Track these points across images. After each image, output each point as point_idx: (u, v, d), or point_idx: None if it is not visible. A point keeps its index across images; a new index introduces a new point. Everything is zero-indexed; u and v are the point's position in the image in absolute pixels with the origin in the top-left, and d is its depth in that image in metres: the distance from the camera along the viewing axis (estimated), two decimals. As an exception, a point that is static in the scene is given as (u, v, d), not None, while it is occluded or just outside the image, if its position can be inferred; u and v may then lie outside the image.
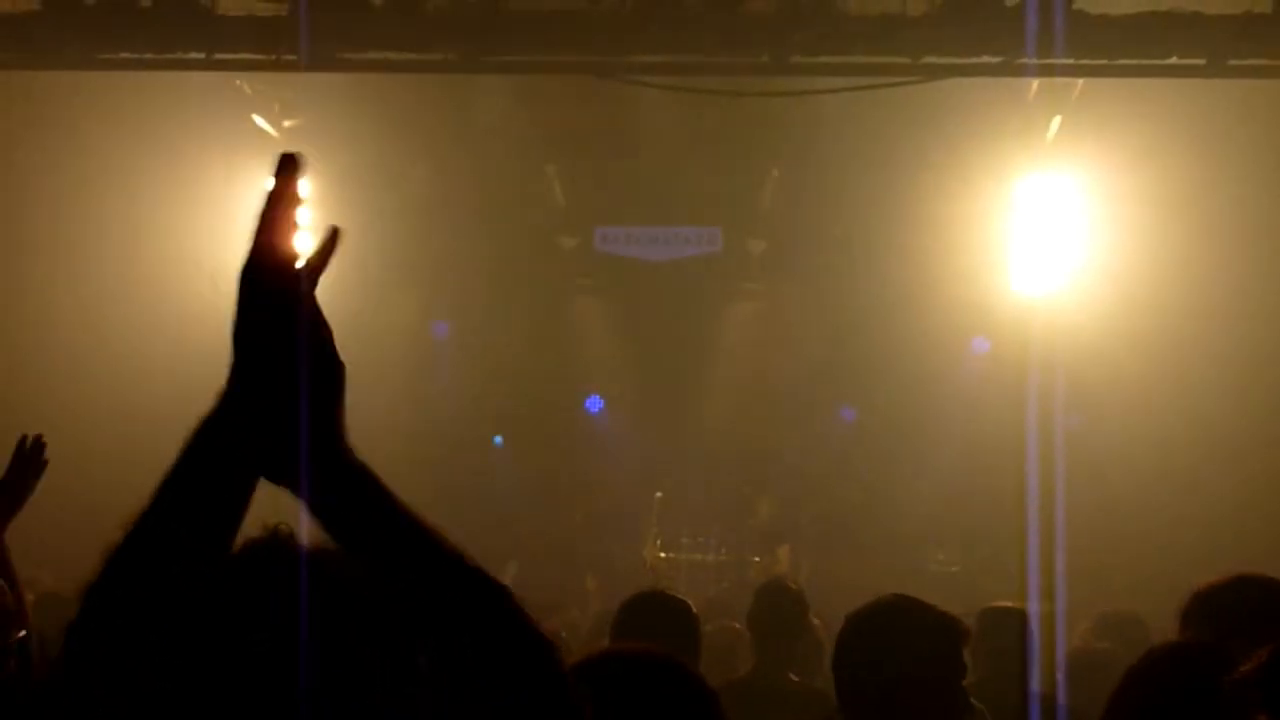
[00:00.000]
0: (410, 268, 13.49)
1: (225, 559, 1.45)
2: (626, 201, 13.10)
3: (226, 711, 1.36)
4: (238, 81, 11.87)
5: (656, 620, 4.62)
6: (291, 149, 1.73)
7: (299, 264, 1.68)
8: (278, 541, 1.48)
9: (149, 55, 9.87)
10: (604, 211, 13.18)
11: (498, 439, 14.85)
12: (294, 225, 1.69)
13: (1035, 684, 5.45)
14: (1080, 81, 11.07)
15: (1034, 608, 7.17)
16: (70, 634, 1.43)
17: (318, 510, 1.63)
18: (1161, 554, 12.04)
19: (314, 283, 1.69)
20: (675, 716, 2.30)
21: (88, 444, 9.46)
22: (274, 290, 1.65)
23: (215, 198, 11.45)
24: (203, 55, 9.81)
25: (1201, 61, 9.29)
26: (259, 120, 12.25)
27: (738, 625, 6.60)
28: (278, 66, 11.02)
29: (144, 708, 1.36)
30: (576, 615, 9.05)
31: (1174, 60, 9.29)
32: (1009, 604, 6.30)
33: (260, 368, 1.65)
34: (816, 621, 6.52)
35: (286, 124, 12.29)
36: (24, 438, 4.21)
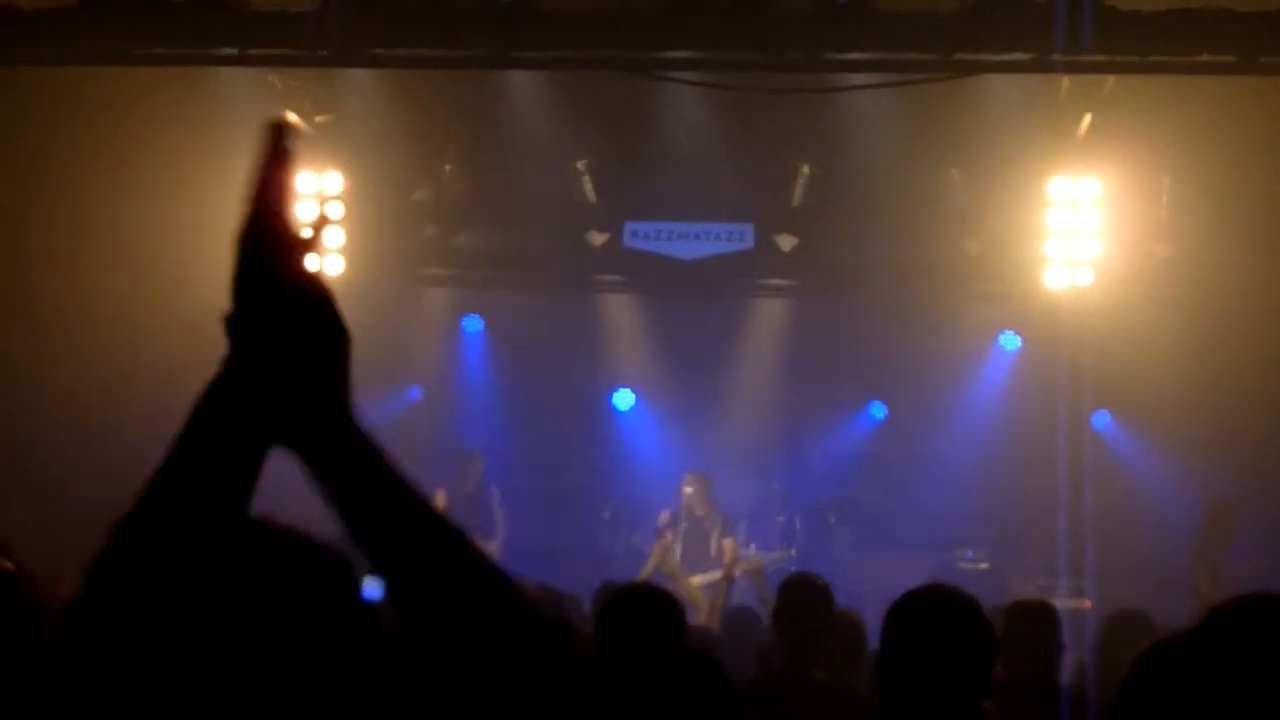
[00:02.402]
0: (440, 264, 13.54)
1: (239, 542, 1.44)
2: (657, 198, 13.10)
3: (229, 691, 1.34)
4: (269, 77, 11.93)
5: (641, 612, 4.57)
6: (282, 115, 1.74)
7: (295, 230, 1.66)
8: (291, 531, 1.46)
9: (181, 50, 9.96)
10: (634, 208, 13.18)
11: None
12: (290, 189, 1.68)
13: (1065, 678, 5.46)
14: (1111, 79, 11.04)
15: (1063, 604, 7.18)
16: (73, 609, 1.42)
17: (323, 478, 1.61)
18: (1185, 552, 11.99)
19: (309, 250, 1.67)
20: (693, 711, 2.30)
21: (128, 444, 9.53)
22: (271, 254, 1.64)
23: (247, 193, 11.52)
24: (235, 51, 9.89)
25: (1233, 58, 9.25)
26: (290, 116, 12.31)
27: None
28: (309, 62, 11.09)
29: (147, 686, 1.34)
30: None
31: (1205, 57, 9.27)
32: (1039, 598, 6.31)
33: (260, 332, 1.63)
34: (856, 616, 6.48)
35: (318, 119, 12.34)
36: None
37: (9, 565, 4.06)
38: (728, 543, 11.88)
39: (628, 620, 4.45)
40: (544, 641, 1.68)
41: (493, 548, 12.42)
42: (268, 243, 1.63)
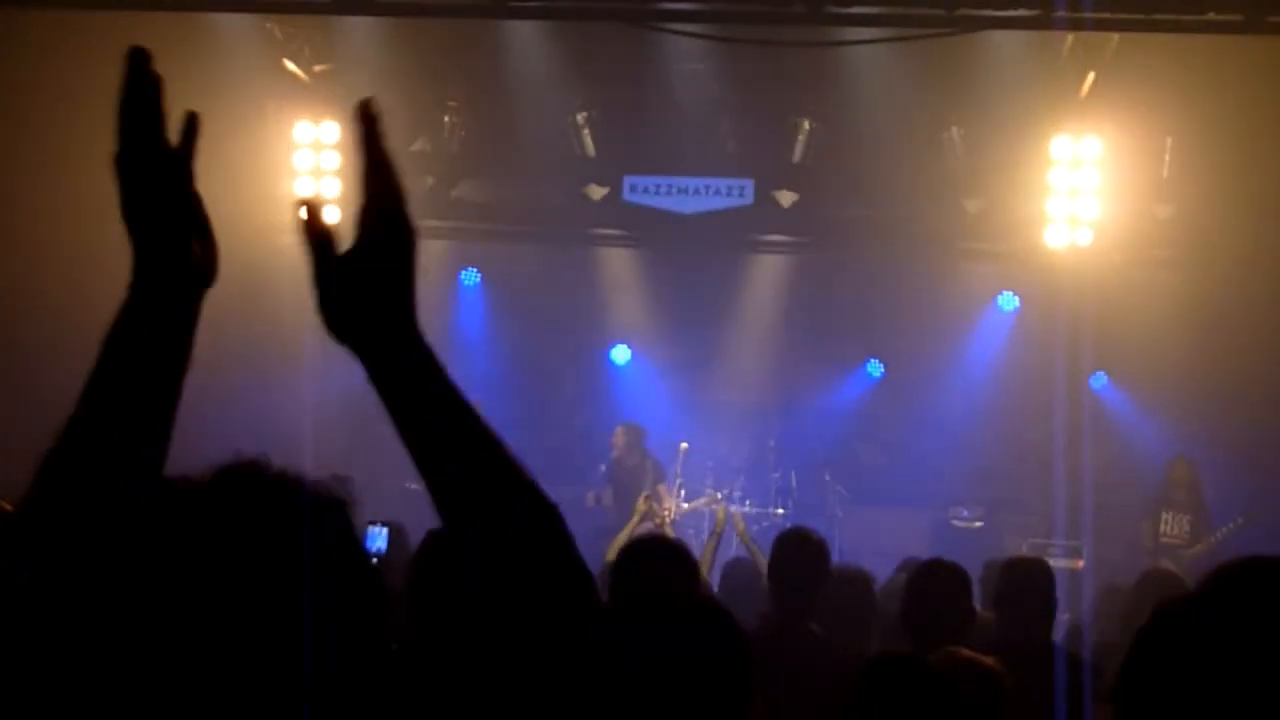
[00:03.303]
0: (438, 216, 13.48)
1: (214, 479, 1.42)
2: (656, 152, 13.03)
3: (165, 628, 1.33)
4: (268, 24, 11.85)
5: (655, 560, 4.58)
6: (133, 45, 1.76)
7: (169, 145, 1.71)
8: (265, 468, 1.44)
9: (181, -5, 9.88)
10: (633, 161, 13.11)
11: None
12: (158, 109, 1.74)
13: (1059, 635, 5.46)
14: (1115, 37, 10.97)
15: (1058, 564, 7.19)
16: (6, 548, 1.40)
17: (378, 377, 1.60)
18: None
19: (189, 163, 1.72)
20: (706, 662, 2.28)
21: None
22: (153, 172, 1.67)
23: (246, 142, 11.46)
24: (235, -4, 9.82)
25: (1238, 17, 9.18)
26: (289, 65, 12.23)
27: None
28: (310, 9, 11.01)
29: (84, 624, 1.32)
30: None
31: (1211, 16, 9.19)
32: (1033, 556, 6.31)
33: (155, 250, 1.65)
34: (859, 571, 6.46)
35: (317, 69, 12.28)
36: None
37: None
38: (661, 488, 12.04)
39: (642, 567, 4.47)
40: (574, 570, 1.67)
41: None
42: (146, 162, 1.72)
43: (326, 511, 1.44)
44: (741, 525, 10.42)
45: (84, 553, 1.34)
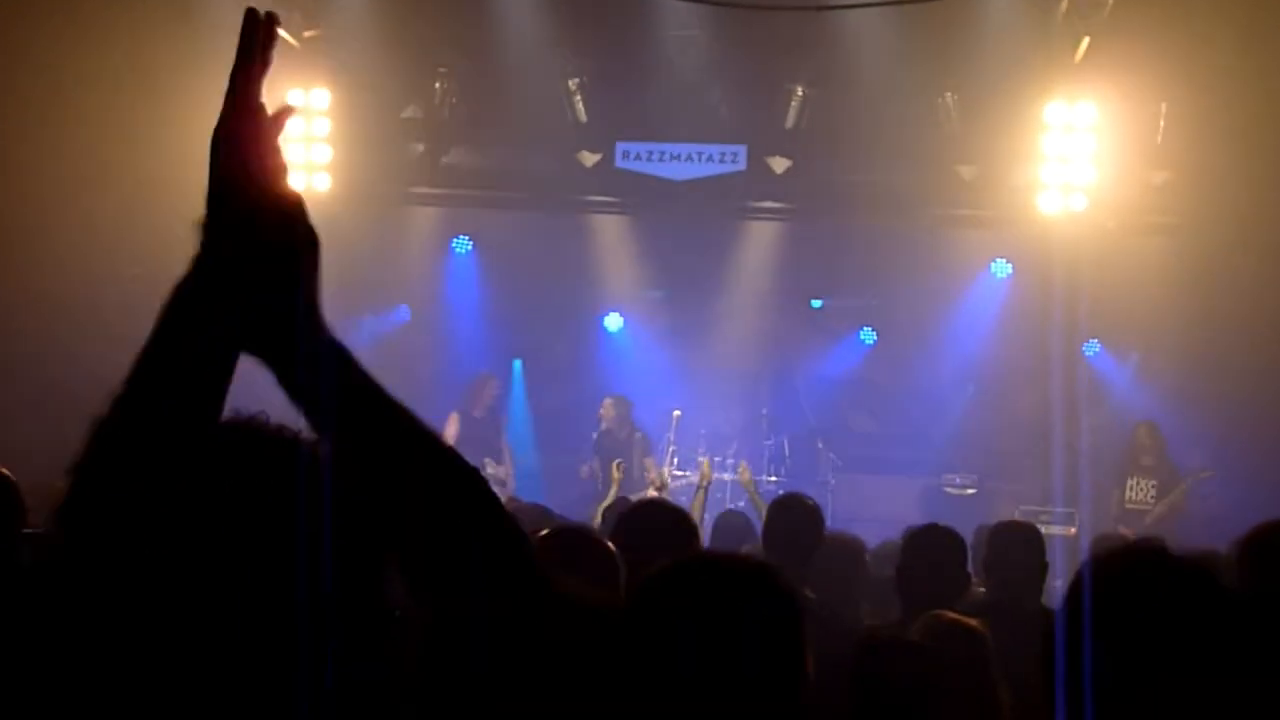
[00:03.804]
0: (429, 183, 13.42)
1: (213, 435, 1.43)
2: (649, 118, 12.96)
3: (211, 585, 1.36)
4: (258, -10, 11.76)
5: (656, 526, 4.57)
6: (262, 10, 1.71)
7: (270, 132, 1.65)
8: (263, 425, 1.46)
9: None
10: (626, 128, 13.04)
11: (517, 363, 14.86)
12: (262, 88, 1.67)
13: (1052, 600, 5.44)
14: (1111, 1, 10.92)
15: (1052, 531, 7.19)
16: (60, 512, 1.41)
17: (293, 383, 1.61)
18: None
19: (280, 153, 1.66)
20: (763, 625, 2.24)
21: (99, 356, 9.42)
22: (247, 153, 1.62)
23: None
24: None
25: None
26: (279, 30, 12.15)
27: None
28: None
29: (134, 582, 1.35)
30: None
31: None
32: (1023, 520, 6.30)
33: (233, 232, 1.62)
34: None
35: (307, 34, 12.19)
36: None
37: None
38: (649, 462, 12.10)
39: (643, 533, 4.46)
40: (508, 536, 1.70)
41: (503, 472, 12.46)
42: (244, 142, 1.62)
43: (322, 466, 1.46)
44: (747, 476, 10.49)
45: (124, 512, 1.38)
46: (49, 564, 1.45)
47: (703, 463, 10.63)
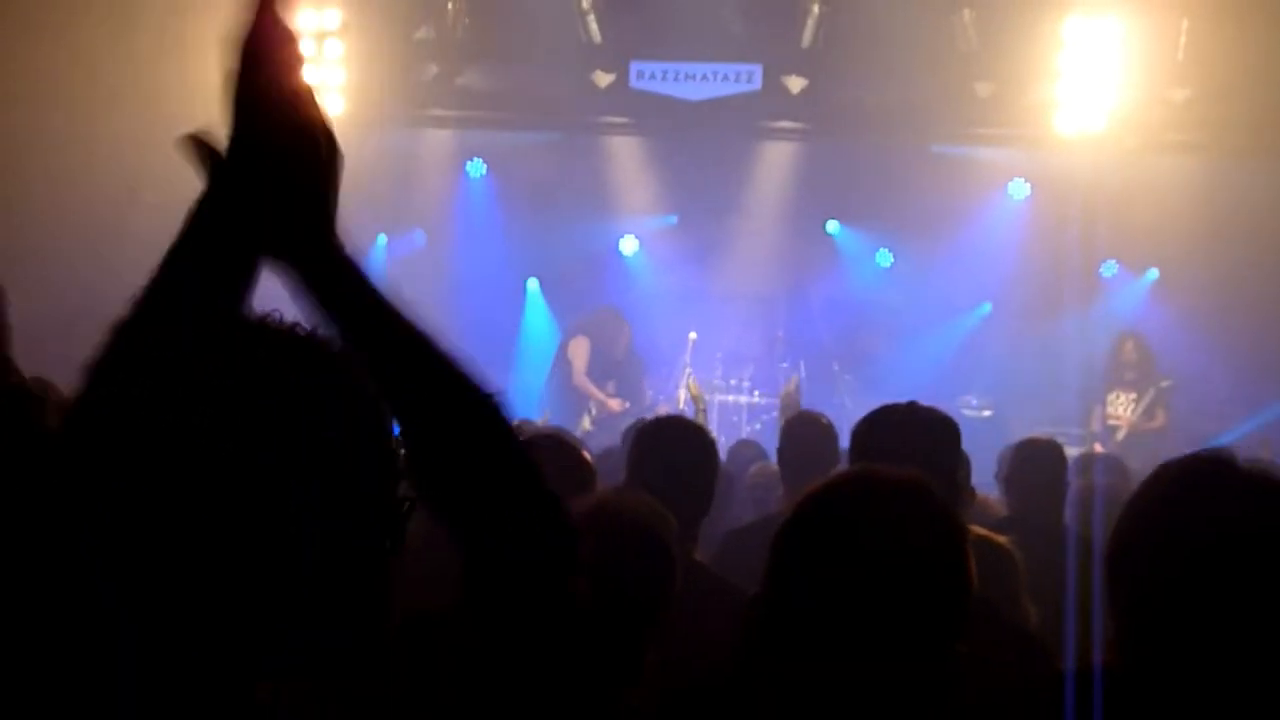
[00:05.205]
0: (443, 105, 13.32)
1: (230, 332, 1.42)
2: (663, 37, 12.83)
3: (228, 481, 1.35)
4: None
5: (679, 442, 4.58)
6: None
7: (293, 42, 1.67)
8: (282, 325, 1.45)
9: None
10: (640, 47, 12.91)
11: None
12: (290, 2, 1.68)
13: (1071, 519, 5.45)
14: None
15: (1072, 451, 7.17)
16: (76, 404, 1.40)
17: (307, 290, 1.65)
18: (1198, 412, 12.01)
19: (303, 63, 1.69)
20: (927, 541, 2.22)
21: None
22: (270, 64, 1.63)
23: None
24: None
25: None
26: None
27: (774, 466, 6.58)
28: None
29: (146, 475, 1.34)
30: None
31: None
32: (1046, 437, 6.29)
33: (257, 140, 1.63)
34: None
35: (317, -45, 12.07)
36: None
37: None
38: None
39: (664, 449, 4.47)
40: (519, 458, 1.71)
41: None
42: (267, 53, 1.64)
43: (336, 362, 1.45)
44: (694, 386, 10.45)
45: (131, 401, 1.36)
46: (51, 466, 1.44)
47: (691, 384, 10.64)
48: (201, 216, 1.69)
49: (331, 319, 1.63)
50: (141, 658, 1.36)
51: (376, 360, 1.59)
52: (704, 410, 9.65)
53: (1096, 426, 11.90)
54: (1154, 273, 13.42)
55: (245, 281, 1.71)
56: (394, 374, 1.62)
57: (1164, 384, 11.82)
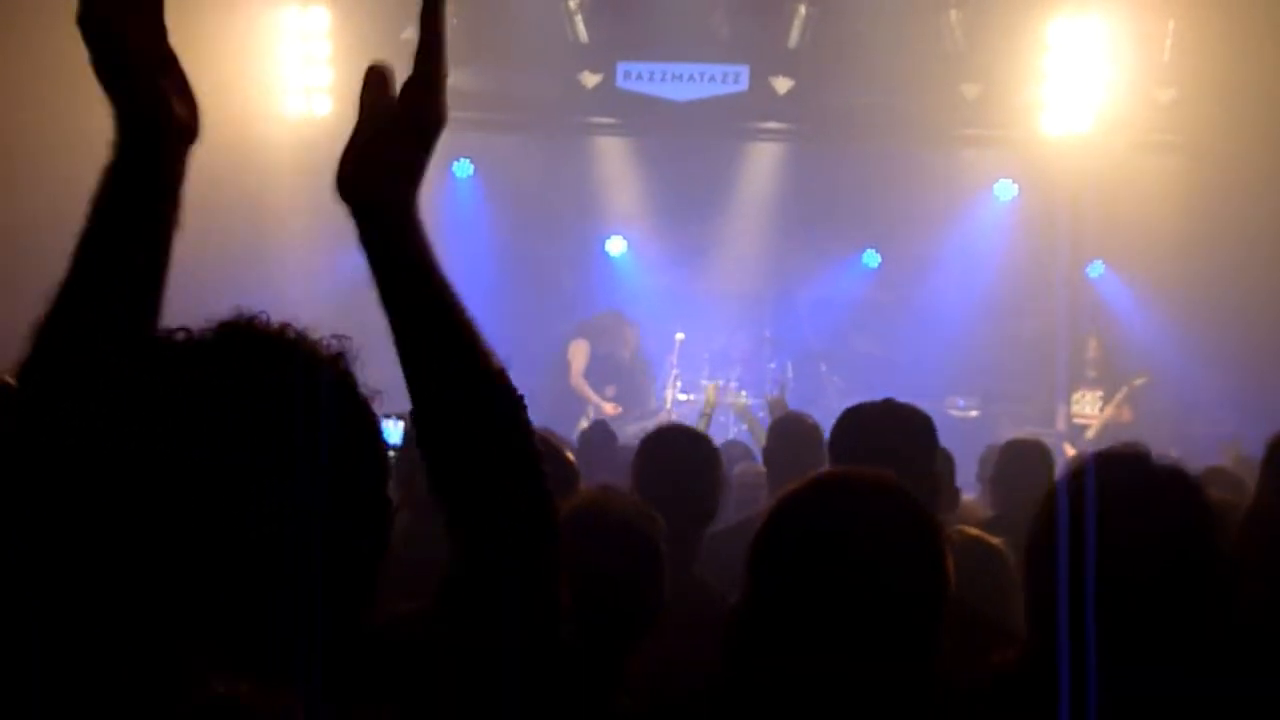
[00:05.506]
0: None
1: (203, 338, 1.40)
2: (650, 38, 12.82)
3: (199, 483, 1.33)
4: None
5: (681, 452, 4.58)
6: None
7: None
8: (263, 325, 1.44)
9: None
10: (627, 48, 12.90)
11: None
12: None
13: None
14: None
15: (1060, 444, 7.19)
16: (7, 412, 1.39)
17: (369, 243, 1.65)
18: (1188, 409, 12.03)
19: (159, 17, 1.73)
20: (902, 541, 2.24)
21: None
22: (121, 29, 1.67)
23: (232, 30, 11.27)
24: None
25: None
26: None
27: (761, 467, 6.58)
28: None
29: (80, 489, 1.32)
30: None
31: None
32: (1032, 437, 6.30)
33: (133, 107, 1.66)
34: None
35: (303, -46, 12.06)
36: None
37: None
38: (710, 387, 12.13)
39: (667, 458, 4.46)
40: (529, 457, 1.70)
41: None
42: (114, 18, 1.69)
43: (325, 366, 1.45)
44: (743, 403, 10.42)
45: (77, 412, 1.34)
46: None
47: (708, 388, 10.60)
48: (106, 199, 1.69)
49: (386, 283, 1.64)
50: (102, 656, 1.33)
51: (411, 330, 1.63)
52: (709, 415, 9.64)
53: (1062, 426, 11.91)
54: (1138, 276, 13.45)
55: (162, 266, 1.72)
56: (425, 347, 1.64)
57: (1138, 381, 11.83)
